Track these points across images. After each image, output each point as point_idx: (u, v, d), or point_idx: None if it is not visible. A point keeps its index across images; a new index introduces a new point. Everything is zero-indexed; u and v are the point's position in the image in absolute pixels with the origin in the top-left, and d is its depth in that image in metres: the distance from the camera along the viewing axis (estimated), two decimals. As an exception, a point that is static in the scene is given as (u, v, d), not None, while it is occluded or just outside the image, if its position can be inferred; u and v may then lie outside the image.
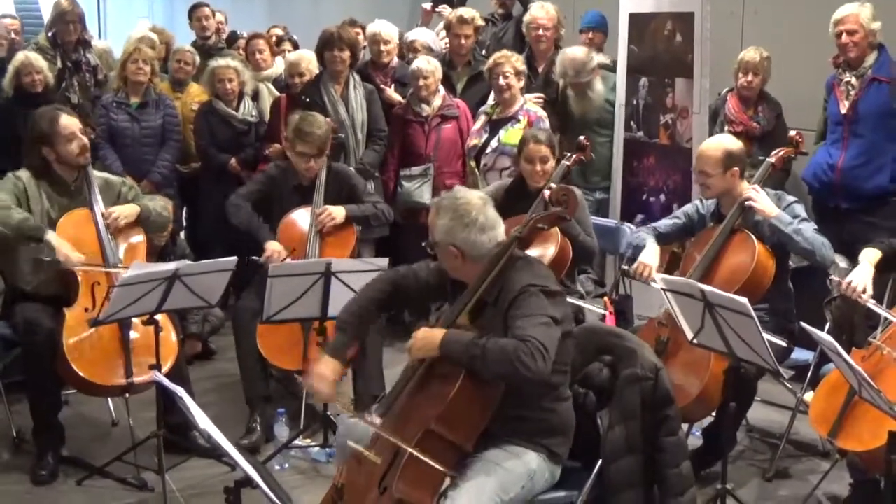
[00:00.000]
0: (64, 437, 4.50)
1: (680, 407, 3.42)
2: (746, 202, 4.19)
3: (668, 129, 5.83)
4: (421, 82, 6.00)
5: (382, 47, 6.45)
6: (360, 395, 4.73)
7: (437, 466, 2.92)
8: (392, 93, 6.34)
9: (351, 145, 5.89)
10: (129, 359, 4.25)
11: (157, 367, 4.07)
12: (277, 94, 6.60)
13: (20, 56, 6.16)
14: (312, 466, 4.55)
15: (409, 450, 2.91)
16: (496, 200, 4.81)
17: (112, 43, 8.13)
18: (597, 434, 3.28)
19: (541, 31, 6.34)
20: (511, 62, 5.75)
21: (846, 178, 5.22)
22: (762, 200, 4.19)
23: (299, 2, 10.95)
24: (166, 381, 3.22)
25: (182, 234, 6.36)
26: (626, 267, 4.62)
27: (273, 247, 4.81)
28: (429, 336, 3.08)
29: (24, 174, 4.43)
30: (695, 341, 3.69)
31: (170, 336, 4.35)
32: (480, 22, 6.61)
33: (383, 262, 4.43)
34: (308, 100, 5.83)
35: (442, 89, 6.12)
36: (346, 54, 5.87)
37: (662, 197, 5.89)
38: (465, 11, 6.48)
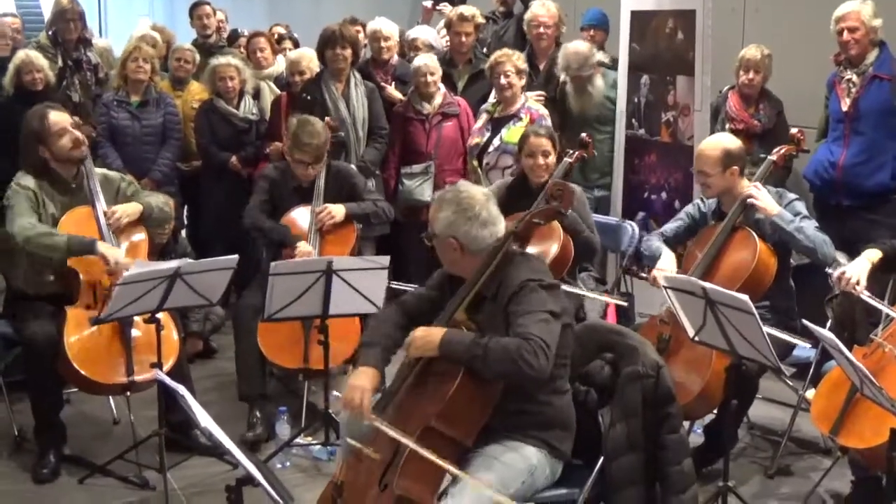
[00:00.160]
0: (65, 435, 4.50)
1: (681, 404, 3.42)
2: (748, 200, 4.19)
3: (669, 127, 5.83)
4: (429, 78, 6.00)
5: (383, 44, 6.45)
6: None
7: (439, 462, 2.92)
8: (393, 91, 6.34)
9: (352, 143, 5.89)
10: (130, 357, 4.25)
11: (159, 365, 4.07)
12: (279, 92, 6.60)
13: (20, 54, 6.16)
14: (314, 465, 4.56)
15: (411, 444, 2.90)
16: (498, 198, 4.84)
17: (113, 41, 8.12)
18: (598, 432, 3.28)
19: (542, 29, 6.34)
20: (512, 61, 5.74)
21: (847, 176, 5.21)
22: (763, 198, 4.18)
23: (300, 0, 10.94)
24: (168, 380, 3.22)
25: (183, 233, 6.36)
26: (639, 276, 4.61)
27: (305, 248, 4.80)
28: (428, 335, 3.07)
29: (29, 181, 4.41)
30: (696, 339, 3.69)
31: (171, 334, 4.35)
32: (481, 20, 6.60)
33: (384, 260, 4.43)
34: (309, 98, 5.83)
35: (442, 87, 6.12)
36: (348, 52, 5.87)
37: (664, 195, 5.90)
38: (466, 9, 6.48)
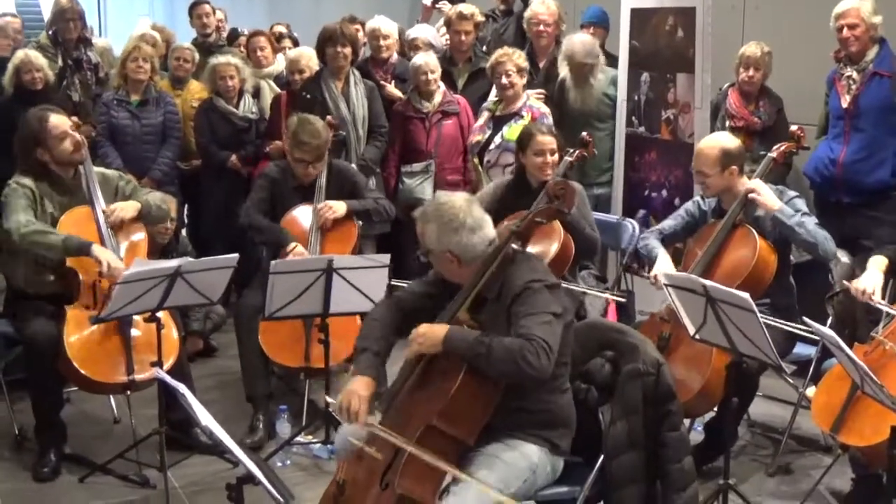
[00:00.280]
0: (66, 434, 4.50)
1: (682, 402, 3.42)
2: (749, 195, 4.19)
3: (669, 125, 5.83)
4: (429, 76, 6.00)
5: (382, 42, 6.45)
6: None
7: (439, 465, 2.92)
8: (392, 89, 6.34)
9: (352, 142, 5.89)
10: (130, 356, 4.25)
11: (159, 364, 4.07)
12: (278, 90, 6.60)
13: (19, 54, 6.16)
14: (314, 463, 4.56)
15: (410, 449, 2.90)
16: (497, 198, 4.83)
17: (112, 41, 8.12)
18: (598, 429, 3.27)
19: (542, 27, 6.34)
20: (513, 60, 5.74)
21: (847, 173, 5.21)
22: (765, 193, 4.18)
23: (299, -1, 10.96)
24: (168, 378, 3.22)
25: (183, 232, 6.37)
26: (640, 274, 4.61)
27: (300, 250, 4.78)
28: (432, 331, 3.07)
29: (27, 181, 4.40)
30: (697, 337, 3.69)
31: (171, 333, 4.35)
32: (481, 18, 6.60)
33: (385, 258, 4.43)
34: (309, 96, 5.83)
35: (442, 85, 6.12)
36: (348, 50, 5.87)
37: (664, 192, 5.89)
38: (466, 7, 6.47)
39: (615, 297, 4.77)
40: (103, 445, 4.59)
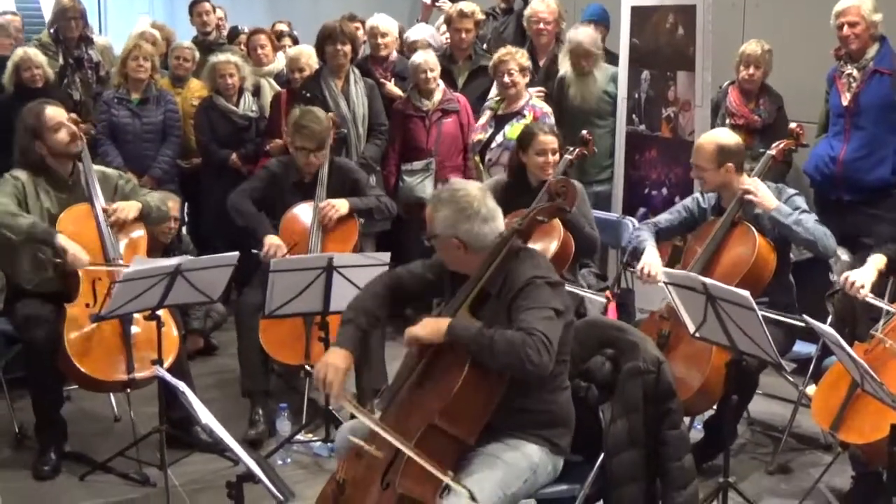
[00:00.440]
0: (66, 432, 4.51)
1: (681, 400, 3.42)
2: (745, 196, 4.19)
3: (670, 123, 5.83)
4: (428, 74, 6.00)
5: (380, 40, 6.45)
6: (364, 390, 4.74)
7: (437, 472, 2.91)
8: (392, 87, 6.34)
9: (352, 140, 5.89)
10: (130, 354, 4.25)
11: (159, 362, 4.08)
12: (279, 89, 6.60)
13: (19, 52, 6.16)
14: (314, 461, 4.56)
15: (409, 453, 2.89)
16: (495, 196, 4.83)
17: (112, 39, 8.12)
18: (599, 428, 3.27)
19: (542, 25, 6.34)
20: (516, 59, 5.74)
21: (848, 171, 5.21)
22: (761, 193, 4.18)
23: (300, -3, 10.93)
24: (168, 376, 3.22)
25: (184, 230, 6.37)
26: (631, 268, 4.62)
27: (271, 241, 4.79)
28: (434, 321, 3.06)
29: (21, 174, 4.42)
30: (697, 335, 3.69)
31: (171, 331, 4.35)
32: (481, 16, 6.60)
33: (385, 256, 4.43)
34: (309, 95, 5.83)
35: (442, 83, 6.12)
36: (348, 48, 5.87)
37: (664, 190, 5.89)
38: (466, 6, 6.47)
39: (594, 295, 4.73)
40: (103, 443, 4.59)
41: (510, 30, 6.91)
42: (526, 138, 4.84)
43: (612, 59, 6.24)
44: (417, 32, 6.85)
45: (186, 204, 6.77)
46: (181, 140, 6.40)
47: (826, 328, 3.42)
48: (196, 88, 6.67)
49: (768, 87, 5.71)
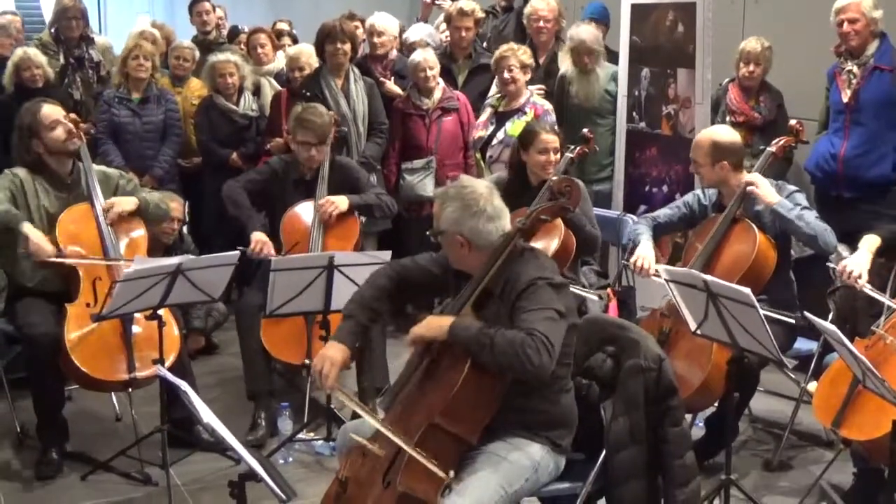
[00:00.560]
0: (68, 432, 4.51)
1: (683, 397, 3.42)
2: (748, 188, 4.19)
3: (670, 120, 5.83)
4: (428, 73, 6.00)
5: (376, 39, 6.46)
6: (365, 388, 4.74)
7: (437, 470, 2.91)
8: (392, 85, 6.34)
9: (352, 139, 5.89)
10: (131, 354, 4.25)
11: (161, 361, 4.08)
12: (279, 88, 6.60)
13: (19, 52, 6.16)
14: (316, 460, 4.56)
15: (410, 451, 2.89)
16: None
17: (112, 39, 8.11)
18: (600, 425, 3.27)
19: (542, 23, 6.35)
20: (517, 56, 5.74)
21: (848, 168, 5.21)
22: (763, 187, 4.18)
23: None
24: (170, 376, 3.22)
25: (184, 229, 6.37)
26: (625, 262, 4.62)
27: (258, 237, 4.79)
28: (437, 320, 3.06)
29: (20, 171, 4.43)
30: (698, 332, 3.69)
31: (172, 330, 4.35)
32: (481, 14, 6.60)
33: (386, 255, 4.43)
34: (309, 94, 5.83)
35: (441, 82, 6.12)
36: (347, 47, 5.87)
37: (665, 188, 5.89)
38: (466, 4, 6.46)
39: (585, 293, 4.72)
40: (105, 443, 4.59)
41: (510, 28, 6.91)
42: (527, 137, 4.84)
43: (613, 56, 6.25)
44: (415, 33, 6.85)
45: (187, 203, 6.77)
46: (182, 139, 6.40)
47: (827, 325, 3.42)
48: (196, 88, 6.67)
49: (768, 84, 5.71)
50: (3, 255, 4.51)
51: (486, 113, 5.97)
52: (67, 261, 4.33)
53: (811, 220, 4.13)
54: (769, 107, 5.65)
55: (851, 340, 3.43)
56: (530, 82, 5.98)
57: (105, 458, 4.38)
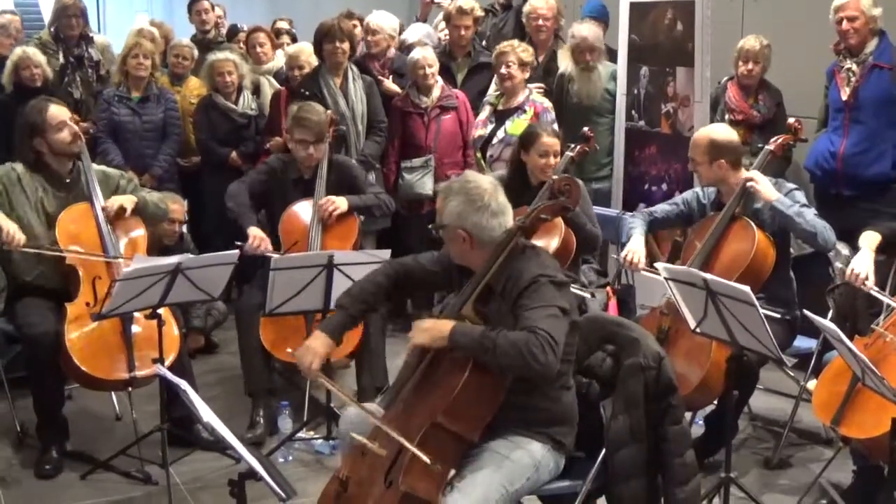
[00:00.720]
0: (68, 431, 4.51)
1: (682, 395, 3.42)
2: (748, 184, 4.19)
3: (669, 119, 5.83)
4: (427, 70, 6.00)
5: (370, 37, 6.46)
6: (364, 388, 4.74)
7: (439, 468, 2.91)
8: (390, 84, 6.34)
9: (351, 137, 5.89)
10: (131, 353, 4.25)
11: (160, 360, 4.08)
12: (278, 87, 6.60)
13: (18, 51, 6.16)
14: (316, 459, 4.56)
15: (413, 449, 2.89)
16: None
17: (111, 38, 8.10)
18: (600, 424, 3.27)
19: (541, 22, 6.35)
20: (516, 53, 5.74)
21: (847, 166, 5.21)
22: (763, 184, 4.18)
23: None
24: (169, 375, 3.22)
25: (184, 228, 6.37)
26: (615, 256, 4.64)
27: (255, 233, 4.79)
28: (437, 325, 3.05)
29: (19, 166, 4.44)
30: (697, 330, 3.69)
31: (172, 330, 4.35)
32: (480, 13, 6.60)
33: (385, 253, 4.42)
34: (307, 93, 5.83)
35: (440, 80, 6.12)
36: (346, 46, 5.87)
37: (664, 186, 5.89)
38: (465, 2, 6.46)
39: (581, 293, 4.72)
40: (105, 442, 4.59)
41: (509, 26, 6.90)
42: (529, 138, 4.83)
43: (612, 55, 6.25)
44: (413, 33, 6.84)
45: (186, 202, 6.77)
46: (181, 138, 6.40)
47: (827, 323, 3.42)
48: (195, 87, 6.67)
49: (767, 82, 5.71)
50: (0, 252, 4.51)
51: (486, 111, 5.97)
52: (49, 252, 4.32)
53: (810, 217, 4.14)
54: (768, 105, 5.66)
55: (851, 338, 3.43)
56: (529, 80, 5.98)
57: (105, 457, 4.38)
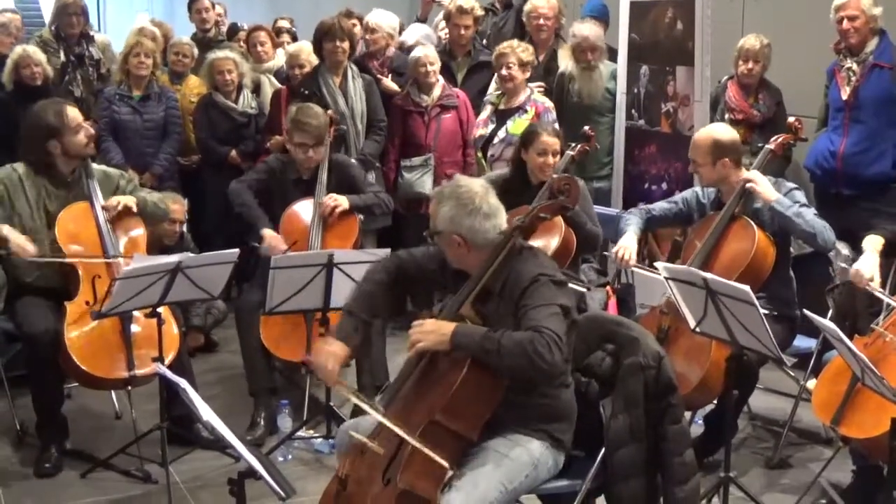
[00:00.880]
0: (67, 430, 4.51)
1: (681, 395, 3.42)
2: (747, 185, 4.19)
3: (669, 118, 5.83)
4: (428, 68, 6.00)
5: (369, 36, 6.47)
6: (365, 387, 4.73)
7: (441, 461, 2.92)
8: (389, 82, 6.34)
9: (351, 136, 5.89)
10: (130, 352, 4.25)
11: (160, 359, 4.08)
12: (279, 85, 6.60)
13: (18, 49, 6.16)
14: (316, 458, 4.56)
15: (413, 442, 2.89)
16: (494, 190, 4.83)
17: (112, 37, 8.10)
18: (600, 423, 3.27)
19: (541, 21, 6.35)
20: (516, 53, 5.74)
21: (847, 165, 5.21)
22: (762, 184, 4.18)
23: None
24: (169, 373, 3.22)
25: (184, 227, 6.37)
26: (606, 252, 4.64)
27: (271, 235, 4.80)
28: (438, 328, 3.03)
29: (20, 167, 4.43)
30: (697, 329, 3.69)
31: (172, 328, 4.35)
32: (480, 12, 6.60)
33: (385, 252, 4.42)
34: (307, 92, 5.83)
35: (441, 79, 6.12)
36: (346, 44, 5.87)
37: (664, 185, 5.89)
38: (465, 1, 6.45)
39: (577, 287, 4.71)
40: (105, 441, 4.59)
41: (510, 25, 6.90)
42: (529, 137, 4.83)
43: (612, 54, 6.25)
44: (412, 35, 6.84)
45: (187, 201, 6.77)
46: (182, 137, 6.40)
47: (826, 322, 3.42)
48: (194, 85, 6.67)
49: (767, 81, 5.71)
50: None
51: (487, 111, 5.97)
52: (55, 259, 4.33)
53: (810, 217, 4.13)
54: (768, 104, 5.66)
55: (851, 338, 3.43)
56: (531, 79, 5.98)
57: (105, 456, 4.38)
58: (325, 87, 5.86)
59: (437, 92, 6.07)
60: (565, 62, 6.16)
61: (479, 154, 5.96)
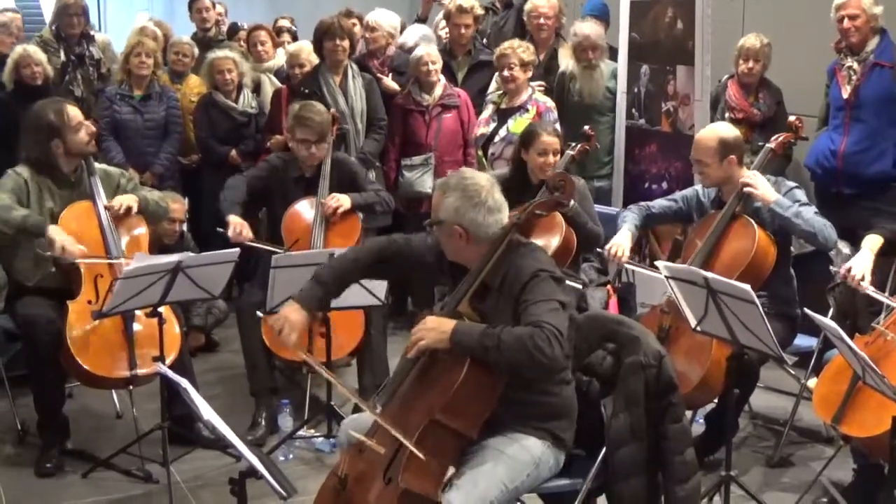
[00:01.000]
0: (68, 429, 4.51)
1: (682, 394, 3.42)
2: (745, 189, 4.18)
3: (669, 117, 5.83)
4: (430, 67, 6.00)
5: (368, 34, 6.47)
6: (366, 387, 4.73)
7: (438, 465, 2.91)
8: (389, 81, 6.34)
9: (351, 135, 5.89)
10: (132, 351, 4.25)
11: (161, 359, 4.08)
12: (279, 85, 6.60)
13: (18, 49, 6.15)
14: (316, 457, 4.56)
15: (411, 447, 2.88)
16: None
17: (112, 36, 8.11)
18: (601, 422, 3.27)
19: (542, 20, 6.35)
20: (517, 53, 5.74)
21: (848, 164, 5.21)
22: (761, 186, 4.17)
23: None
24: (170, 373, 3.23)
25: (184, 227, 6.38)
26: (599, 249, 4.64)
27: (236, 220, 4.75)
28: (439, 327, 3.02)
29: (24, 171, 4.41)
30: (698, 328, 3.69)
31: (173, 328, 4.35)
32: (480, 11, 6.60)
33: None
34: (307, 91, 5.83)
35: (442, 78, 6.12)
36: (346, 43, 5.87)
37: (664, 184, 5.90)
38: (465, 0, 6.45)
39: (574, 284, 4.71)
40: (106, 440, 4.59)
41: (510, 25, 6.90)
42: (529, 137, 4.83)
43: (613, 53, 6.25)
44: (411, 35, 6.83)
45: (187, 200, 6.77)
46: (182, 136, 6.40)
47: (827, 321, 3.42)
48: (194, 85, 6.67)
49: (768, 80, 5.71)
50: (2, 254, 4.51)
51: (489, 110, 5.97)
52: (96, 261, 4.32)
53: (810, 216, 4.13)
54: (768, 103, 5.66)
55: (851, 337, 3.44)
56: (531, 79, 5.98)
57: (106, 456, 4.38)
58: (326, 87, 5.86)
59: (438, 91, 6.07)
60: (566, 61, 6.16)
61: (480, 153, 5.96)
